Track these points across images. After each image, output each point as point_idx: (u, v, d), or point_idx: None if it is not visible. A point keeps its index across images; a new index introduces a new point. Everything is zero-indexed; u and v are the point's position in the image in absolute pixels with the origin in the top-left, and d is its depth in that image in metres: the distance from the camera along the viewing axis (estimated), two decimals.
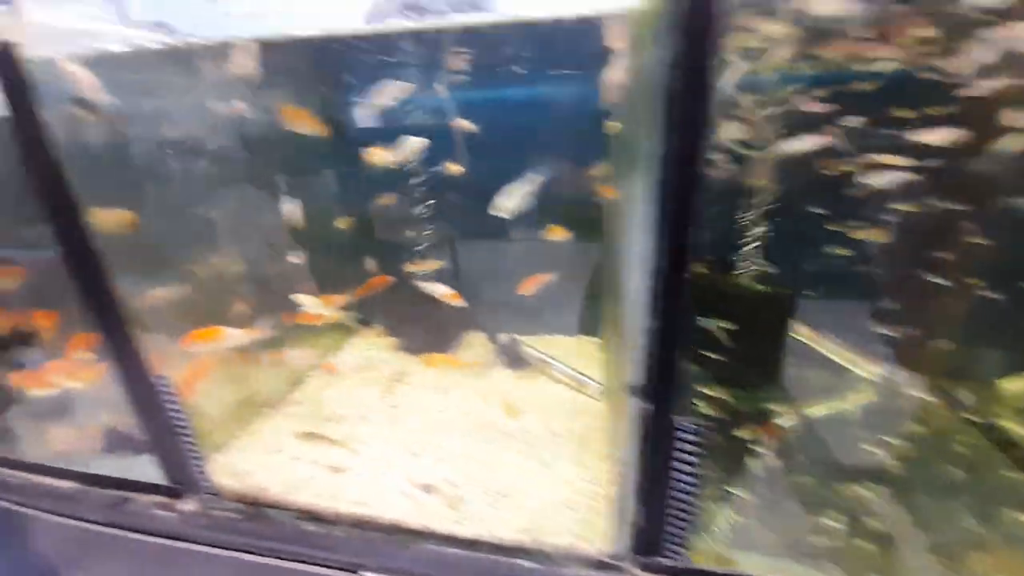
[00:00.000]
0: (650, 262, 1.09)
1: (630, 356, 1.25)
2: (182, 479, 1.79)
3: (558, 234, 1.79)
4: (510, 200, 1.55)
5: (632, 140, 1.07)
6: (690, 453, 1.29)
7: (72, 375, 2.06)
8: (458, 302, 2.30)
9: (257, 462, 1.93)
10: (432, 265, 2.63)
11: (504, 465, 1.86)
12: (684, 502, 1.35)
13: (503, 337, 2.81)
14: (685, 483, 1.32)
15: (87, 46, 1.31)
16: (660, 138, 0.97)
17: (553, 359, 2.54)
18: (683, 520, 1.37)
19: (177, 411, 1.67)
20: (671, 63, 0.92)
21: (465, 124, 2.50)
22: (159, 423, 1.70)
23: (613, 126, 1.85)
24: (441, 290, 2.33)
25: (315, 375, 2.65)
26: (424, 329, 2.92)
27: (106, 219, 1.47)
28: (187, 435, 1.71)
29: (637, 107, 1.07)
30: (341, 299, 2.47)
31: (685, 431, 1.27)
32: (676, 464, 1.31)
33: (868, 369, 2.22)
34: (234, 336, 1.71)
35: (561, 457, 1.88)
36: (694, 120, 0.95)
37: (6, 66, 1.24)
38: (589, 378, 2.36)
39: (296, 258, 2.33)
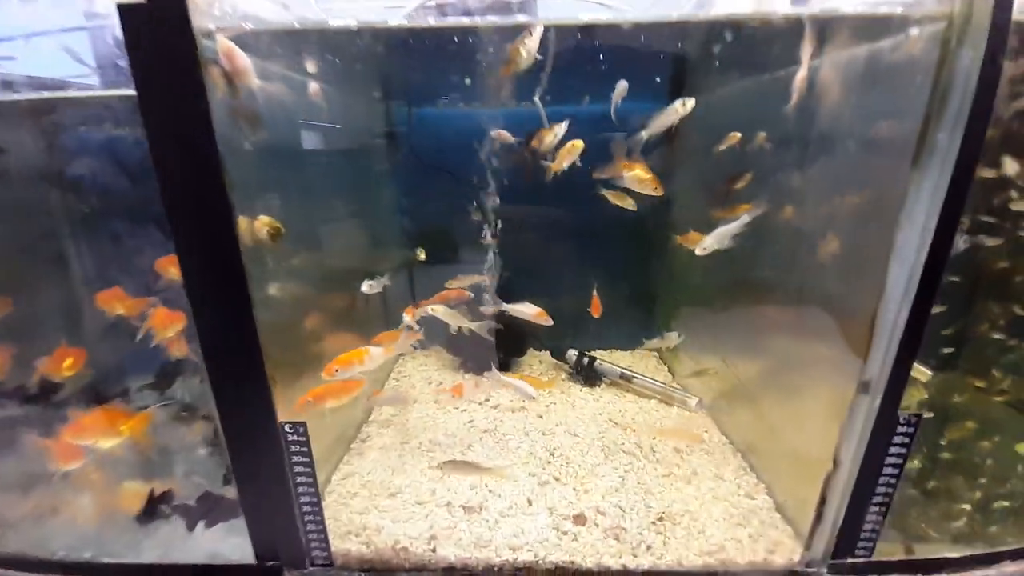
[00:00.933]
0: (918, 256, 1.15)
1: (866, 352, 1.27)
2: (281, 551, 1.47)
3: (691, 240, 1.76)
4: (715, 240, 1.51)
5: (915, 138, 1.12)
6: (904, 446, 1.33)
7: (103, 432, 1.62)
8: (546, 320, 2.19)
9: (374, 513, 1.65)
10: (472, 280, 2.50)
11: (644, 486, 1.78)
12: (888, 496, 1.38)
13: (571, 353, 2.74)
14: (894, 477, 1.36)
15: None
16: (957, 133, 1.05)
17: (639, 374, 2.51)
18: (882, 516, 1.41)
19: (306, 464, 1.39)
20: (985, 62, 0.99)
21: (504, 135, 2.44)
22: (274, 480, 1.40)
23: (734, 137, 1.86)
24: (528, 310, 2.19)
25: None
26: (481, 346, 2.76)
27: (248, 228, 1.19)
28: (311, 494, 1.43)
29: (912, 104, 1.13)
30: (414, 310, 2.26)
31: (907, 423, 1.30)
32: (891, 459, 1.34)
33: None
34: (377, 356, 1.47)
35: (697, 474, 1.85)
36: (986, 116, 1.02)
37: (178, 31, 0.97)
38: (683, 391, 2.37)
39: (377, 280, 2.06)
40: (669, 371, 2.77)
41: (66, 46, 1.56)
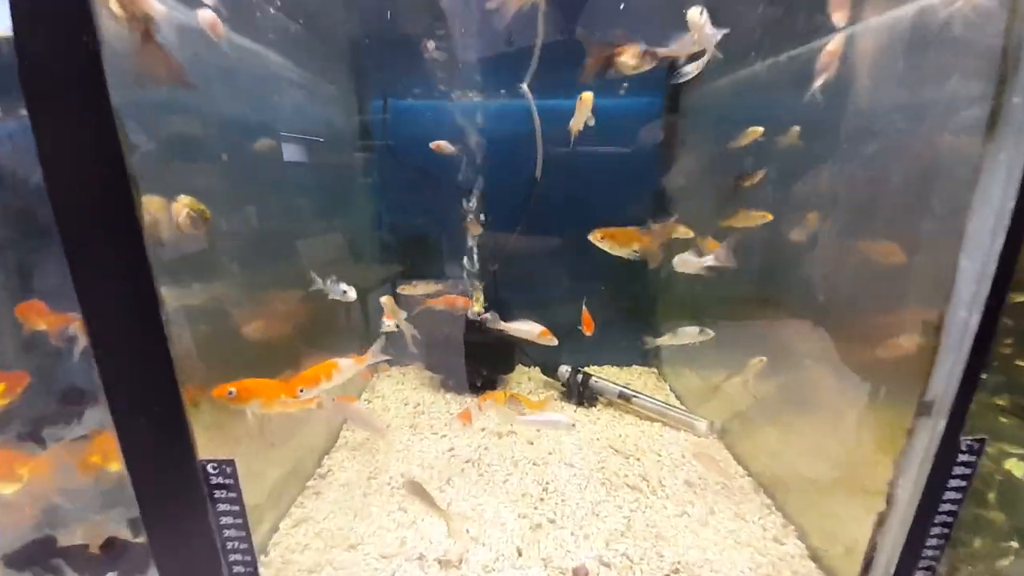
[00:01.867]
0: (993, 243, 0.94)
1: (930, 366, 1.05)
2: None
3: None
4: (680, 264, 1.49)
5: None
6: (965, 478, 1.10)
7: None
8: (550, 340, 1.90)
9: (327, 570, 1.34)
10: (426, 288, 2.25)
11: (654, 529, 1.50)
12: (944, 538, 1.15)
13: (564, 369, 2.48)
14: (951, 515, 1.13)
15: None
16: None
17: (639, 392, 2.26)
18: (937, 562, 1.17)
19: (236, 513, 1.10)
20: None
21: (444, 146, 2.25)
22: (194, 533, 1.10)
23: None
24: (530, 329, 1.90)
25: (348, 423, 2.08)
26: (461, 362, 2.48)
27: (163, 211, 0.93)
28: (243, 550, 1.13)
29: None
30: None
31: (969, 451, 1.08)
32: (950, 493, 1.11)
33: None
34: (348, 369, 1.20)
35: (715, 513, 1.58)
36: None
37: None
38: (690, 415, 2.11)
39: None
40: (671, 390, 2.53)
41: None
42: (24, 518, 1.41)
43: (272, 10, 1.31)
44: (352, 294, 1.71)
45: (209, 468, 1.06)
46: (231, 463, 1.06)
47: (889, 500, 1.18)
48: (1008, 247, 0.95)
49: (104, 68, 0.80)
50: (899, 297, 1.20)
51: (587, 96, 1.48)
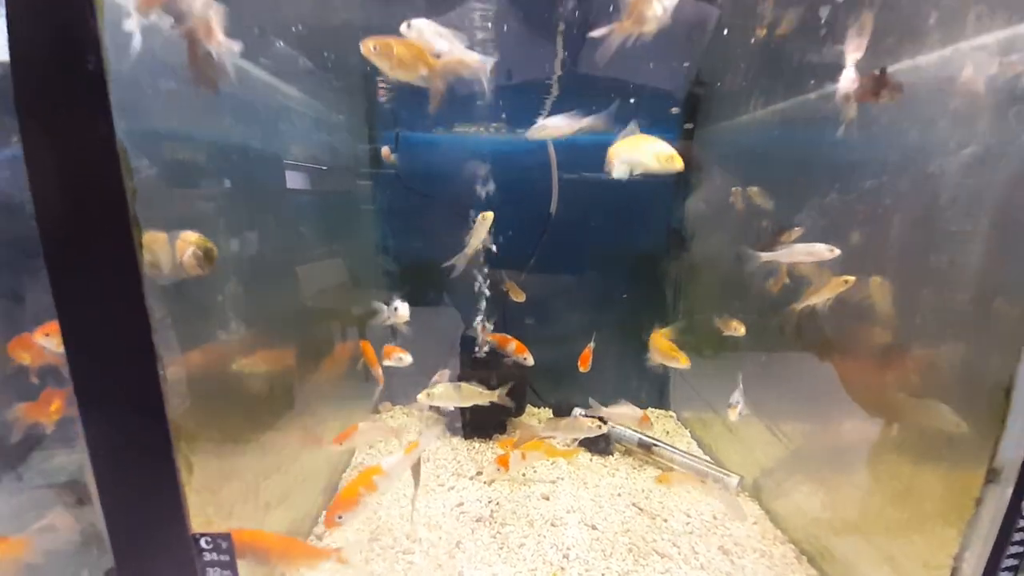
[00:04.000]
0: None
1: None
2: None
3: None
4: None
5: None
6: None
7: None
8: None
9: None
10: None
11: None
12: None
13: (577, 412, 2.33)
14: None
15: None
16: None
17: (661, 441, 2.11)
18: None
19: None
20: None
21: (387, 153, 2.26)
22: None
23: None
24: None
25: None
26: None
27: (165, 250, 0.82)
28: None
29: None
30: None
31: None
32: (1009, 560, 1.01)
33: None
34: (395, 470, 1.07)
35: None
36: None
37: None
38: (720, 469, 1.96)
39: None
40: (692, 437, 2.38)
41: None
42: None
43: (282, 43, 1.25)
44: (405, 311, 1.60)
45: (203, 543, 0.91)
46: (227, 537, 0.92)
47: (954, 573, 1.06)
48: None
49: (108, 92, 0.70)
50: (967, 354, 1.11)
51: None
